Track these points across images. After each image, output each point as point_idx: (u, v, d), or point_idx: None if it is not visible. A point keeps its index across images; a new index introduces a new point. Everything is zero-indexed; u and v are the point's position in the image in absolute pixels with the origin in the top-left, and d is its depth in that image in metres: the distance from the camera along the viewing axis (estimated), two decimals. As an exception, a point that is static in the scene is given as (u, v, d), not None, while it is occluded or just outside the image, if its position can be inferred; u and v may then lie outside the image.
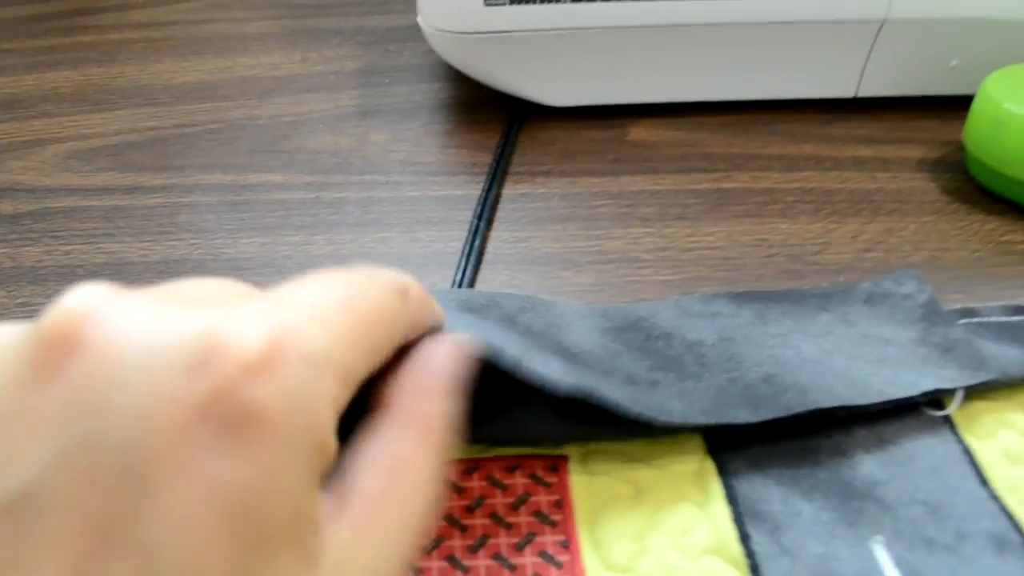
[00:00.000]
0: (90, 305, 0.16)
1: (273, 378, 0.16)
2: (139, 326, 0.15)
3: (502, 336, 0.25)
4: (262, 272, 0.37)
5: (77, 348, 0.15)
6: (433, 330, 0.22)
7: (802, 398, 0.27)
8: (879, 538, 0.25)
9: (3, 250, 0.40)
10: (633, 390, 0.28)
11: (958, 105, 0.42)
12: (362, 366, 0.18)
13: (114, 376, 0.15)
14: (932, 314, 0.31)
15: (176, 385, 0.15)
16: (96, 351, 0.15)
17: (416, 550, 0.18)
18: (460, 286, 0.35)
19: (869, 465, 0.27)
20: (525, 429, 0.27)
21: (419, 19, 0.43)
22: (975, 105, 0.38)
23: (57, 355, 0.15)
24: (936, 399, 0.29)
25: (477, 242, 0.37)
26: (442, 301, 0.28)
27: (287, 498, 0.16)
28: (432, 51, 0.46)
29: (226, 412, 0.15)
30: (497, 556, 0.25)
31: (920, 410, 0.29)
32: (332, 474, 0.18)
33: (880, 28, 0.42)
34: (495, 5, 0.40)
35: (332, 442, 0.17)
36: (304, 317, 0.17)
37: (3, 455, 0.15)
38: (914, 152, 0.42)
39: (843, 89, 0.45)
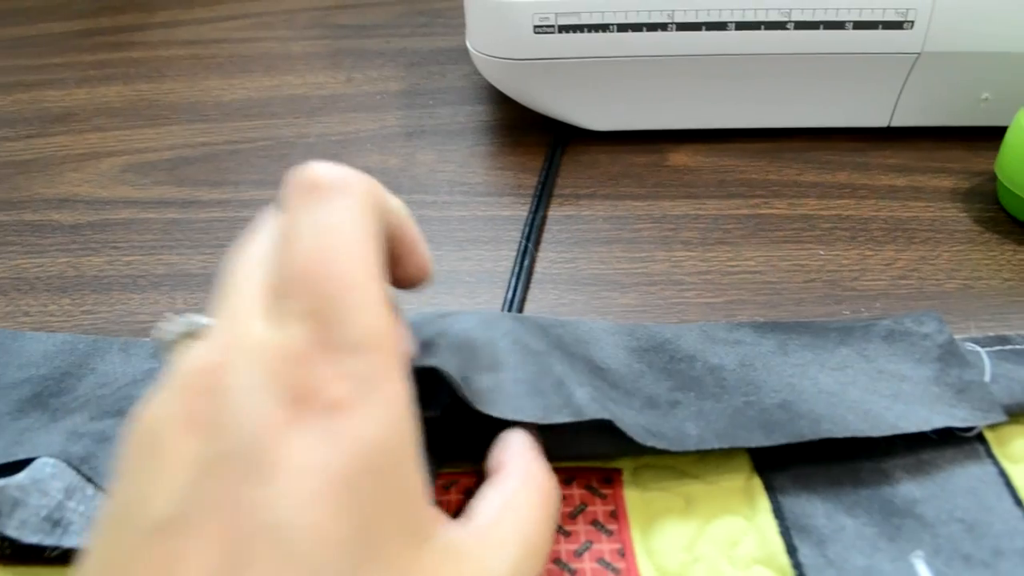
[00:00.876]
0: (212, 366, 0.20)
1: (342, 377, 0.19)
2: (242, 375, 0.19)
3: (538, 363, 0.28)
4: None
5: (207, 399, 0.19)
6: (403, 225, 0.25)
7: (815, 426, 0.28)
8: (919, 553, 0.27)
9: (65, 259, 0.42)
10: (652, 414, 0.29)
11: (989, 136, 0.43)
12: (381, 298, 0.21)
13: (230, 412, 0.19)
14: (949, 355, 0.31)
15: (275, 409, 0.19)
16: (218, 402, 0.19)
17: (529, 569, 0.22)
18: (511, 305, 0.36)
19: (908, 484, 0.29)
20: (579, 447, 0.28)
21: (468, 44, 0.45)
22: (1008, 137, 0.39)
23: (192, 412, 0.19)
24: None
25: (526, 262, 0.38)
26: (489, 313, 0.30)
27: (389, 465, 0.19)
28: (474, 73, 0.47)
29: (317, 411, 0.19)
30: (557, 561, 0.26)
31: (954, 432, 0.30)
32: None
33: (915, 61, 0.43)
34: (544, 33, 0.42)
35: (410, 407, 0.21)
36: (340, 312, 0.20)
37: (156, 486, 0.19)
38: (946, 182, 0.43)
39: (877, 119, 0.46)
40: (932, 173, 0.44)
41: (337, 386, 0.19)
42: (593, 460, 0.29)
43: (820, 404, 0.29)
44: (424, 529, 0.20)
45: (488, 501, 0.24)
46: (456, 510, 0.27)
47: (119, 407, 0.32)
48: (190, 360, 0.20)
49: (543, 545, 0.23)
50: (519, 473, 0.25)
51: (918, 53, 0.43)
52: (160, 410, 0.20)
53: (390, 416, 0.20)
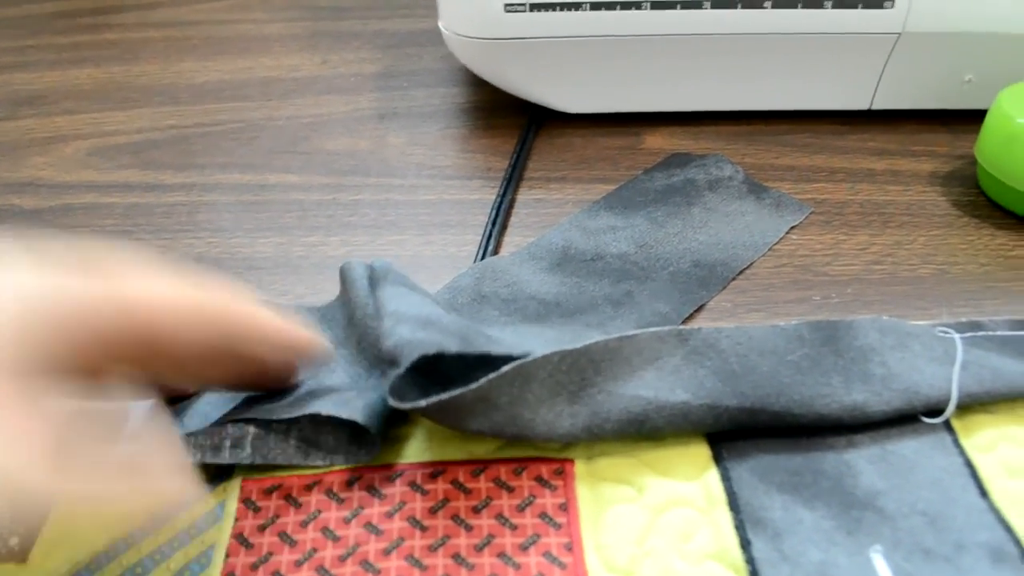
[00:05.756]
0: None
1: None
2: None
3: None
4: (276, 272, 0.38)
5: None
6: None
7: (727, 271, 0.36)
8: (878, 547, 0.26)
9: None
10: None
11: (972, 119, 0.42)
12: None
13: None
14: (753, 186, 0.41)
15: None
16: None
17: None
18: (472, 289, 0.36)
19: (871, 475, 0.28)
20: (533, 428, 0.27)
21: (440, 24, 0.44)
22: (988, 119, 0.38)
23: None
24: (935, 409, 0.29)
25: (490, 246, 0.37)
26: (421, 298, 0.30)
27: None
28: (451, 55, 0.46)
29: None
30: (502, 555, 0.25)
31: (919, 420, 0.29)
32: None
33: (896, 41, 0.42)
34: (515, 11, 0.41)
35: None
36: None
37: None
38: (926, 165, 0.42)
39: (858, 101, 0.45)
40: (912, 156, 0.43)
41: None
42: (545, 447, 0.29)
43: (718, 252, 0.37)
44: None
45: None
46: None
47: None
48: None
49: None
50: None
51: (899, 33, 0.42)
52: None
53: None
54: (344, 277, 0.33)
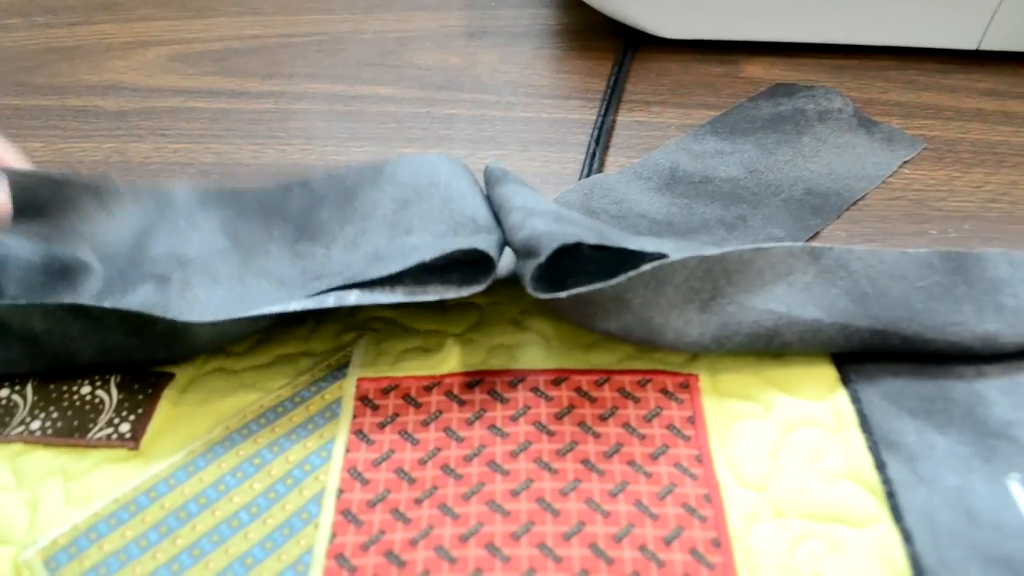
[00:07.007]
0: None
1: None
2: None
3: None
4: (373, 181, 0.37)
5: None
6: None
7: (841, 201, 0.35)
8: (1015, 475, 0.25)
9: (110, 145, 0.40)
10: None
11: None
12: None
13: None
14: (863, 119, 0.39)
15: None
16: None
17: None
18: (579, 205, 0.35)
19: (1003, 406, 0.27)
20: (662, 334, 0.26)
21: (538, -61, 0.42)
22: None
23: None
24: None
25: (595, 165, 0.36)
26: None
27: None
28: (538, -23, 0.45)
29: None
30: (632, 463, 0.25)
31: None
32: None
33: (1014, -23, 0.40)
34: (621, -73, 0.40)
35: None
36: None
37: None
38: (1038, 108, 0.41)
39: (965, 41, 0.43)
40: (1023, 99, 0.41)
41: None
42: (672, 354, 0.28)
43: (831, 183, 0.36)
44: None
45: None
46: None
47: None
48: None
49: None
50: None
51: (1018, -31, 0.40)
52: None
53: None
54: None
